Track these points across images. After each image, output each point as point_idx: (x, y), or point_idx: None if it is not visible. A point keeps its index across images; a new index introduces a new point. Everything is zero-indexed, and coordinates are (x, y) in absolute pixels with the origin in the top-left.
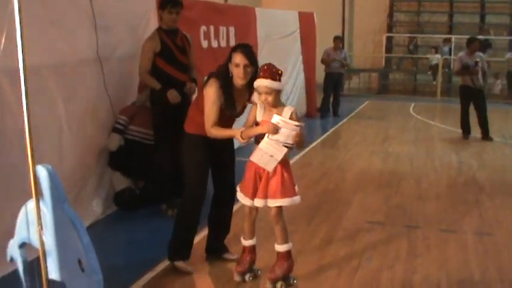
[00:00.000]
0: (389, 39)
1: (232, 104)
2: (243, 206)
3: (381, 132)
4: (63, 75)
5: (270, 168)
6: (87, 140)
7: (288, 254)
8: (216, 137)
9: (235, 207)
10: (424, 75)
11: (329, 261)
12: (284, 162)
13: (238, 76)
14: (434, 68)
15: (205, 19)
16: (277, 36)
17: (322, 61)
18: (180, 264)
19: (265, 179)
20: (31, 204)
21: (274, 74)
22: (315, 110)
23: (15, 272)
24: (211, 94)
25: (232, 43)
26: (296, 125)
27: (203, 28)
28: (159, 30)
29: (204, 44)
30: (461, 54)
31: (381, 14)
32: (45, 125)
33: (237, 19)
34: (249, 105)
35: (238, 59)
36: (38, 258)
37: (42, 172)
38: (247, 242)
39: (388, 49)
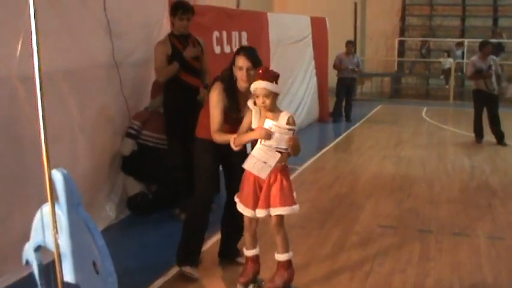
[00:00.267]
0: (401, 43)
1: (237, 107)
2: None
3: (394, 136)
4: (78, 81)
5: (263, 175)
6: (101, 145)
7: (288, 263)
8: (218, 142)
9: None
10: (437, 79)
11: (341, 265)
12: (284, 170)
13: (241, 79)
14: (446, 72)
15: (217, 24)
16: (290, 41)
17: (334, 67)
18: (187, 269)
19: (266, 189)
20: (46, 207)
21: (271, 76)
22: (327, 114)
23: (31, 276)
24: (214, 98)
25: None
26: (288, 129)
27: (216, 33)
28: (171, 35)
29: (217, 49)
30: (474, 58)
31: (393, 18)
32: (60, 130)
33: (249, 24)
34: None
35: (241, 62)
36: (53, 262)
37: (58, 176)
38: (249, 252)
39: (401, 53)
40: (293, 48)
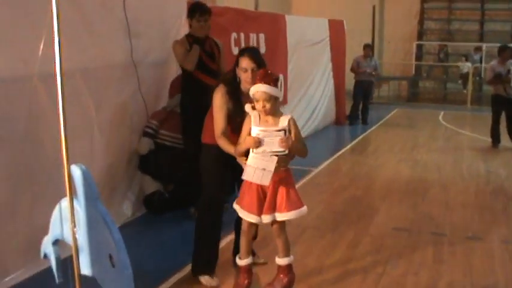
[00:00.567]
0: (419, 47)
1: (241, 109)
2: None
3: (410, 140)
4: (96, 79)
5: (266, 182)
6: (118, 143)
7: (289, 268)
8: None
9: None
10: (454, 84)
11: (354, 267)
12: (286, 174)
13: (245, 81)
14: (464, 77)
15: (235, 26)
16: (307, 44)
17: (352, 70)
18: (204, 279)
19: (271, 194)
20: (65, 202)
21: (271, 79)
22: (343, 117)
23: (48, 270)
24: (217, 101)
25: (262, 50)
26: (277, 130)
27: (234, 35)
28: (188, 36)
29: (235, 51)
30: (493, 63)
31: (412, 21)
32: (78, 129)
33: (267, 26)
34: None
35: (245, 63)
36: (70, 256)
37: (77, 171)
38: (243, 262)
39: (418, 57)
40: (311, 51)
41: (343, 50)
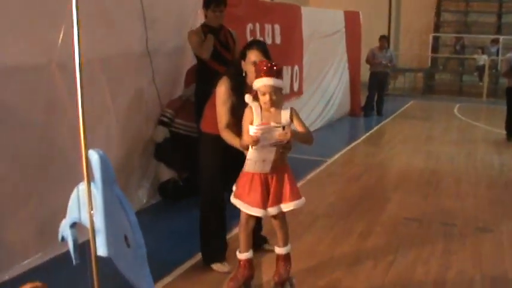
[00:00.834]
0: (436, 39)
1: (245, 103)
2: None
3: (424, 132)
4: (112, 68)
5: (266, 170)
6: (134, 131)
7: (289, 256)
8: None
9: None
10: (470, 76)
11: (366, 254)
12: (285, 166)
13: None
14: (480, 69)
15: (251, 16)
16: (323, 35)
17: (367, 61)
18: (216, 266)
19: (275, 186)
20: (82, 186)
21: (277, 71)
22: (358, 108)
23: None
24: (221, 94)
25: (278, 41)
26: (274, 126)
27: (249, 26)
28: (203, 26)
29: None
30: (509, 55)
31: (428, 13)
32: (94, 117)
33: (282, 17)
34: None
35: (255, 56)
36: (87, 240)
37: (94, 156)
38: (243, 255)
39: (435, 49)
40: (326, 42)
41: (358, 41)
